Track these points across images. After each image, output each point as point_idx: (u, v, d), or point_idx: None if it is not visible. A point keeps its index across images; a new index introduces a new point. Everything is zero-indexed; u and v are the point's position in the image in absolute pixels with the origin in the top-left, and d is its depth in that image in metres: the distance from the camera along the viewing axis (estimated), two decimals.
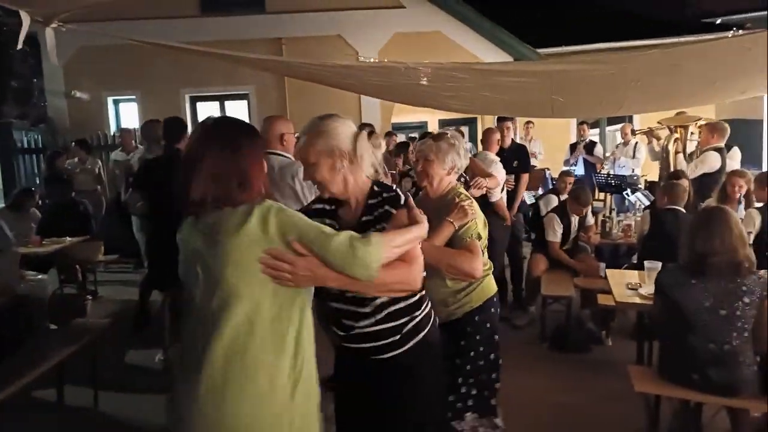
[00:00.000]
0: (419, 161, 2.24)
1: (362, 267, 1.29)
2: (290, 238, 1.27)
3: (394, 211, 1.52)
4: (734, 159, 5.14)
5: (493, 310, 2.26)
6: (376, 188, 1.58)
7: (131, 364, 3.82)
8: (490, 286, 2.27)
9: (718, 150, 4.84)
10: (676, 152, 5.16)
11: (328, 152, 1.53)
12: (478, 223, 2.12)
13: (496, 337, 2.26)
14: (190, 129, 8.63)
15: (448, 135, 2.26)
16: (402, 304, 1.57)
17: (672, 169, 5.03)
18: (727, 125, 4.98)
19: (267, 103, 8.60)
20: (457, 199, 2.13)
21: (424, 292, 1.64)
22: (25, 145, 8.45)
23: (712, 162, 4.78)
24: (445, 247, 2.07)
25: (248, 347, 1.27)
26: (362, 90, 4.29)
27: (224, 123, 1.44)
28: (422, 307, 1.63)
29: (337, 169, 1.54)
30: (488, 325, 2.23)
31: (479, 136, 5.88)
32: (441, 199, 2.20)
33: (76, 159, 6.74)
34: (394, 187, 1.61)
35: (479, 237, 2.08)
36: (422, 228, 1.46)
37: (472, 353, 2.20)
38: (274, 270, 1.26)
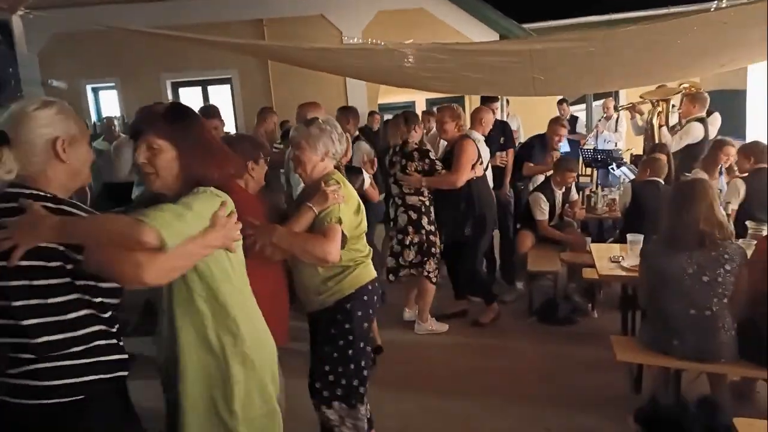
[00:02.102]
0: (293, 148, 2.22)
1: None
2: None
3: None
4: (714, 125, 5.21)
5: (366, 298, 2.22)
6: None
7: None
8: (365, 273, 2.24)
9: (700, 120, 4.90)
10: (660, 125, 5.20)
11: None
12: (345, 207, 2.10)
13: (366, 325, 2.23)
14: None
15: (320, 120, 2.22)
16: None
17: (657, 142, 5.09)
18: (707, 95, 5.04)
19: (250, 86, 8.49)
20: (323, 185, 2.09)
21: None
22: None
23: (695, 132, 4.85)
24: (304, 232, 2.07)
25: None
26: (344, 72, 4.26)
27: None
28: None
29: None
30: (360, 313, 2.19)
31: (467, 116, 5.91)
32: (314, 185, 2.16)
33: None
34: None
35: (340, 221, 2.06)
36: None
37: (341, 342, 2.18)
38: None
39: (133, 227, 1.25)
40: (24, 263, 1.24)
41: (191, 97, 8.82)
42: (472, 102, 8.46)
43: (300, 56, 3.24)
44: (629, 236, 3.24)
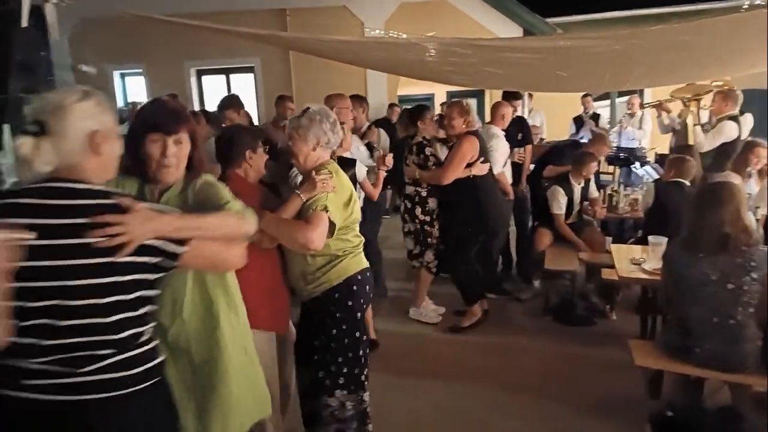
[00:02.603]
0: (287, 140, 2.24)
1: None
2: None
3: None
4: (746, 125, 5.06)
5: (356, 288, 2.23)
6: None
7: None
8: (354, 264, 2.24)
9: (733, 118, 4.76)
10: (694, 125, 5.05)
11: None
12: (334, 196, 2.10)
13: (359, 315, 2.24)
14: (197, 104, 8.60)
15: (310, 110, 2.21)
16: None
17: (691, 142, 4.94)
18: (740, 92, 4.89)
19: (272, 75, 8.51)
20: (313, 173, 2.12)
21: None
22: None
23: (729, 131, 4.72)
24: (291, 219, 2.09)
25: None
26: (365, 64, 4.24)
27: None
28: None
29: None
30: (350, 303, 2.21)
31: (487, 110, 5.84)
32: (308, 175, 2.17)
33: None
34: None
35: (326, 209, 2.06)
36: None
37: (334, 331, 2.20)
38: None
39: (244, 224, 1.49)
40: (120, 260, 1.25)
41: (214, 85, 8.89)
42: (493, 96, 8.36)
43: (321, 47, 3.22)
44: (651, 238, 3.17)
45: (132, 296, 1.29)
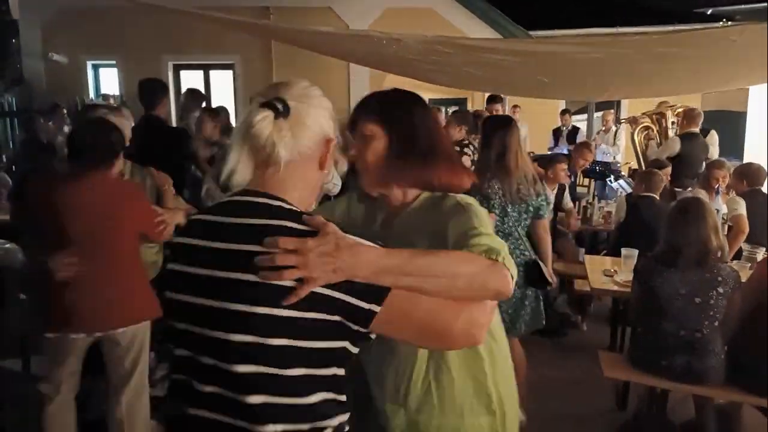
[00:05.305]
0: None
1: None
2: None
3: None
4: (712, 143, 5.27)
5: None
6: None
7: None
8: None
9: (685, 135, 4.96)
10: (648, 139, 5.30)
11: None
12: None
13: None
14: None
15: None
16: None
17: (641, 157, 5.19)
18: (700, 112, 5.14)
19: (253, 73, 8.41)
20: None
21: None
22: None
23: (672, 147, 4.95)
24: None
25: None
26: (347, 57, 4.20)
27: None
28: None
29: None
30: None
31: None
32: None
33: (50, 123, 6.55)
34: None
35: None
36: None
37: None
38: None
39: (496, 272, 0.92)
40: (294, 314, 0.83)
41: (192, 81, 8.73)
42: (475, 103, 8.42)
43: (302, 38, 3.17)
44: (624, 251, 3.18)
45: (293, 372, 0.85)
